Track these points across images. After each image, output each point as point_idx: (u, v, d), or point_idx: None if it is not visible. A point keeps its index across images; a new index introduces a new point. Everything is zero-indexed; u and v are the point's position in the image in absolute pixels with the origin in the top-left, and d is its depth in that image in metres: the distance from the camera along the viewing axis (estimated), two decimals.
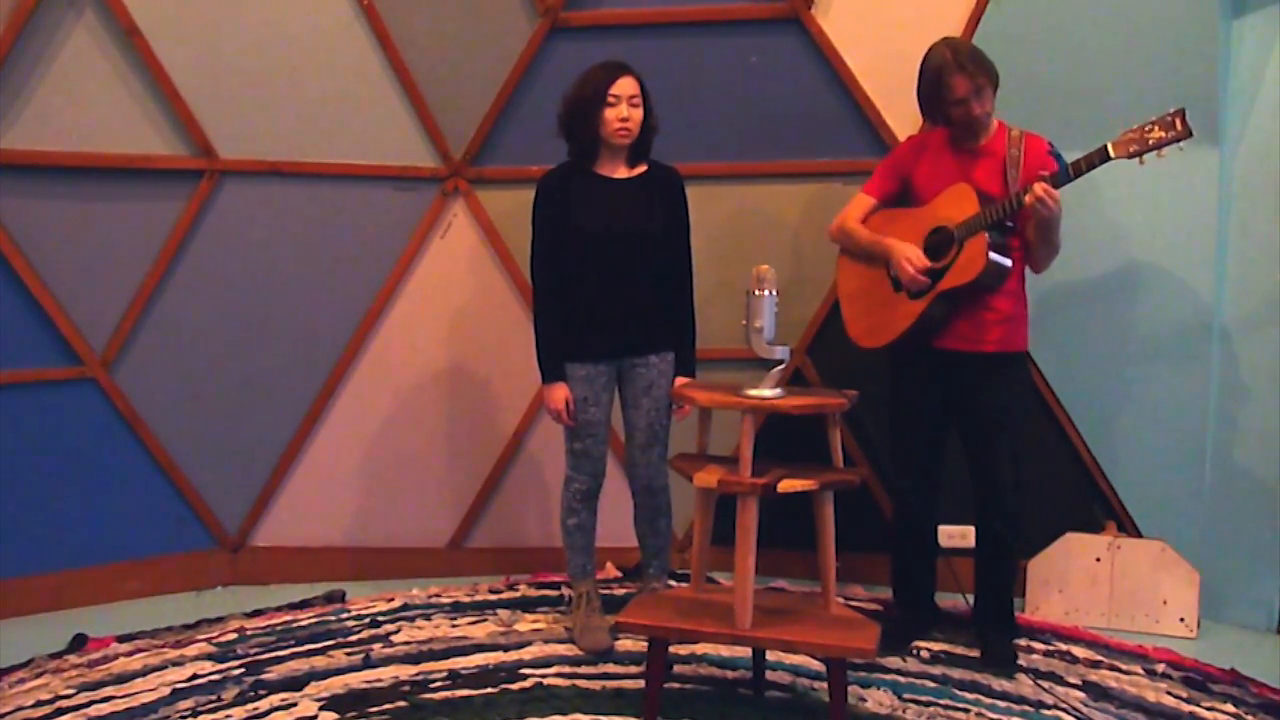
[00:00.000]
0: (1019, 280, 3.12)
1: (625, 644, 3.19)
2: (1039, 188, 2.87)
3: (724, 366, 3.66)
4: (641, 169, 3.23)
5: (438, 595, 3.66)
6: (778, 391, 2.77)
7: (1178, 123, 2.76)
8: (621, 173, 3.20)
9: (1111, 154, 2.85)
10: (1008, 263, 3.02)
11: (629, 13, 3.71)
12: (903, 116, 3.61)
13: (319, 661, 3.09)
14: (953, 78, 2.97)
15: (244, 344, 3.76)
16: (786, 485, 2.65)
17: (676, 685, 2.95)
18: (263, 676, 2.98)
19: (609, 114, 3.09)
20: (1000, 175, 3.03)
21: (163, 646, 3.20)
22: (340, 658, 3.13)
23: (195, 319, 3.70)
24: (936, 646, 3.25)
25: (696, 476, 2.73)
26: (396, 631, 3.33)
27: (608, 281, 3.16)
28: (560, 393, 3.18)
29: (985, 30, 3.50)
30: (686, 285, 3.30)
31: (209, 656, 3.12)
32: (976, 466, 3.14)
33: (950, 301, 3.05)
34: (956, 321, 3.08)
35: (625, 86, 3.09)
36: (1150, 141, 2.79)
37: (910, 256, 3.06)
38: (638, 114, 3.12)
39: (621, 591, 3.63)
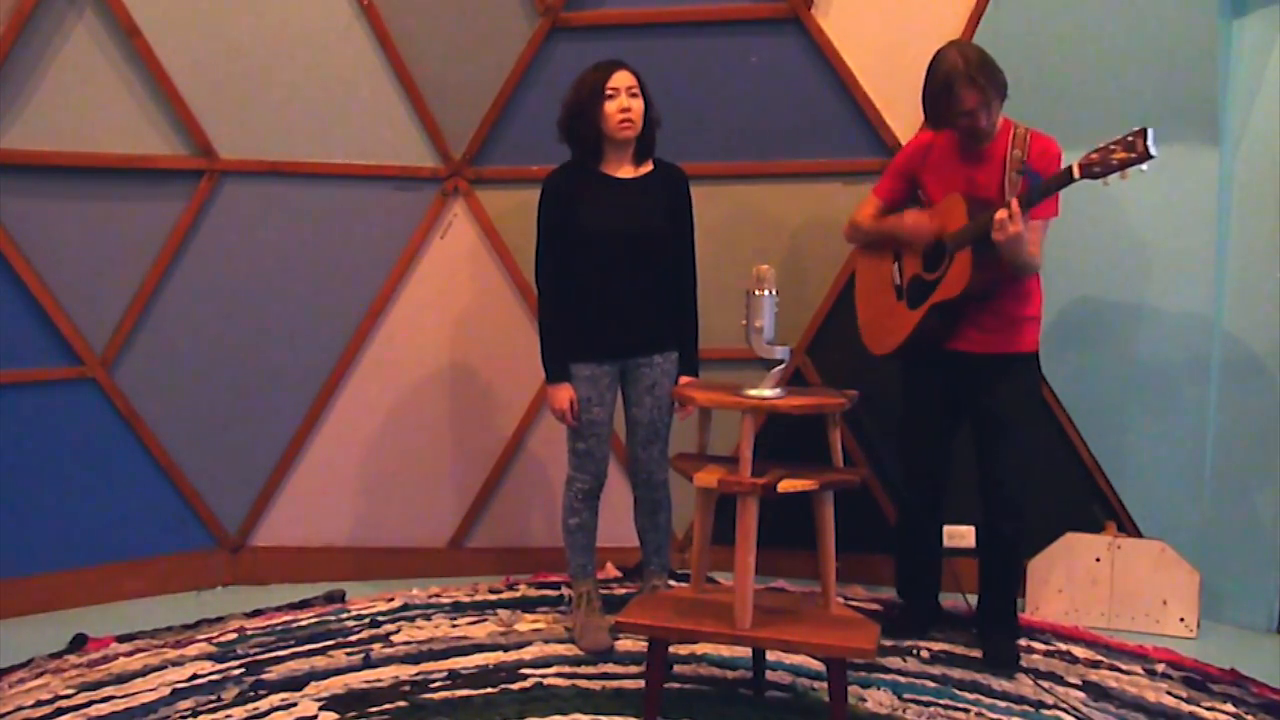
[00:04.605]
0: (1029, 280, 3.06)
1: (625, 644, 3.19)
2: (1002, 212, 2.81)
3: (724, 366, 3.66)
4: (647, 168, 3.22)
5: (438, 595, 3.66)
6: (778, 391, 2.77)
7: (1139, 144, 2.68)
8: (627, 171, 3.20)
9: (1075, 175, 2.77)
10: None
11: (629, 13, 3.71)
12: (903, 117, 3.61)
13: (319, 661, 3.09)
14: (962, 89, 2.88)
15: (244, 344, 3.76)
16: (786, 485, 2.65)
17: (676, 685, 2.95)
18: (263, 676, 2.98)
19: (609, 107, 3.08)
20: (1000, 178, 3.00)
21: (163, 646, 3.20)
22: (340, 658, 3.13)
23: (195, 319, 3.69)
24: (936, 646, 3.25)
25: (697, 476, 2.73)
26: (396, 631, 3.33)
27: (613, 281, 3.16)
28: (565, 393, 3.17)
29: (985, 30, 3.50)
30: (691, 284, 3.30)
31: (209, 656, 3.12)
32: (984, 466, 3.13)
33: (945, 313, 3.04)
34: (963, 324, 3.07)
35: (622, 79, 3.08)
36: (1113, 162, 2.72)
37: (914, 225, 3.09)
38: (638, 104, 3.10)
39: (621, 591, 3.63)
